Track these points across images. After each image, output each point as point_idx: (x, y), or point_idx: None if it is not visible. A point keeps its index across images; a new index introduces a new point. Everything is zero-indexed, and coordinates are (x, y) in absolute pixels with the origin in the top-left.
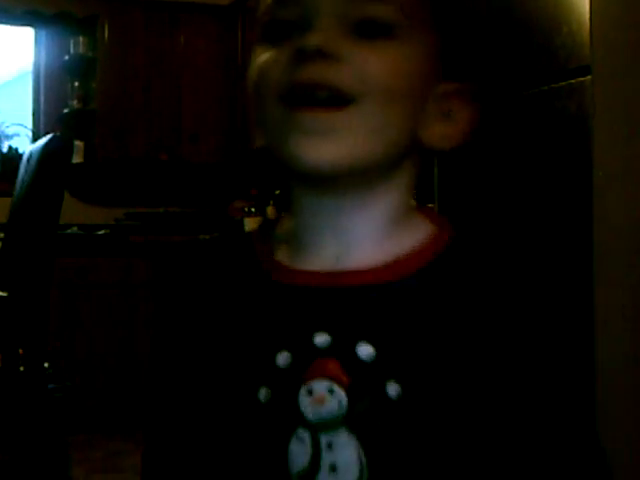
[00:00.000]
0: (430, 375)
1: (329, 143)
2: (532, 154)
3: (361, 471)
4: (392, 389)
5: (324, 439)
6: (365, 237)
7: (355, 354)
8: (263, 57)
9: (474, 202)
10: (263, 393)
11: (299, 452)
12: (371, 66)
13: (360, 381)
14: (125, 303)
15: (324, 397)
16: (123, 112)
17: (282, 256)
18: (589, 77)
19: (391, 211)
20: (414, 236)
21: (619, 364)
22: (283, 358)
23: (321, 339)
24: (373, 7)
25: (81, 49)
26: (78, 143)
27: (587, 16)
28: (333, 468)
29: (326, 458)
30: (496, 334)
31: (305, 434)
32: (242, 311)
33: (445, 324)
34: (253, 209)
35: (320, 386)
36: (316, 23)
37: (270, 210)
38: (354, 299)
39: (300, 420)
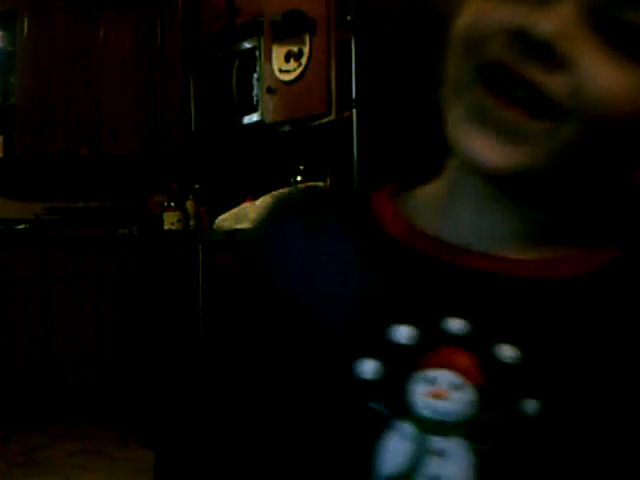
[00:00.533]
0: (576, 394)
1: (515, 150)
2: None
3: None
4: (530, 403)
5: (429, 441)
6: (529, 230)
7: (494, 353)
8: (477, 9)
9: None
10: (365, 367)
11: (393, 451)
12: (597, 83)
13: (496, 386)
14: (44, 298)
15: (447, 392)
16: (43, 106)
17: (423, 223)
18: None
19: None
20: (582, 246)
21: None
22: (400, 332)
23: (456, 325)
24: (631, 11)
25: (0, 43)
26: None
27: None
28: (431, 478)
29: (429, 467)
30: None
31: (407, 430)
32: (351, 271)
33: (604, 339)
34: (172, 203)
35: (444, 378)
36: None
37: (189, 204)
38: (506, 289)
39: (405, 411)
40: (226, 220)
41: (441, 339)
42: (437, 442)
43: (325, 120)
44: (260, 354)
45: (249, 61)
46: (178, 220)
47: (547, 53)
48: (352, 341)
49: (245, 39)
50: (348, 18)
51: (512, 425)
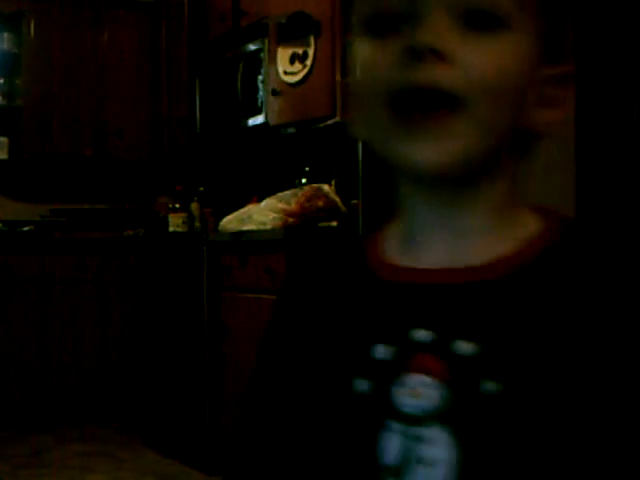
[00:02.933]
0: (528, 374)
1: (442, 146)
2: None
3: (451, 466)
4: (490, 386)
5: (416, 432)
6: (471, 233)
7: (455, 351)
8: (367, 52)
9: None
10: (358, 384)
11: (390, 444)
12: (481, 67)
13: (458, 378)
14: (49, 299)
15: (421, 391)
16: (48, 108)
17: (391, 254)
18: None
19: (497, 205)
20: (521, 233)
21: None
22: (381, 351)
23: (421, 334)
24: None
25: (6, 45)
26: (2, 139)
27: None
28: (423, 461)
29: (417, 451)
30: (601, 338)
31: (397, 426)
32: (345, 306)
33: (545, 323)
34: (178, 205)
35: (417, 380)
36: (425, 14)
37: (194, 206)
38: (455, 296)
39: (394, 412)
40: (231, 222)
41: (414, 349)
42: (420, 431)
43: (330, 122)
44: (284, 370)
45: (254, 63)
46: (183, 222)
47: (432, 54)
48: (348, 364)
49: (250, 41)
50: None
51: (477, 408)
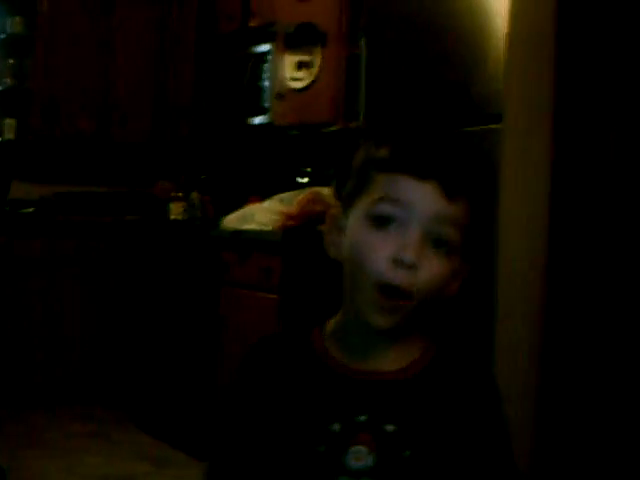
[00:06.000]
0: (430, 443)
1: (394, 318)
2: None
3: None
4: (406, 452)
5: None
6: (389, 351)
7: (383, 429)
8: (369, 238)
9: None
10: (321, 448)
11: None
12: (430, 275)
13: (385, 447)
14: (49, 281)
15: (361, 457)
16: (56, 91)
17: (335, 352)
18: (500, 125)
19: (405, 333)
20: (416, 351)
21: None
22: (336, 427)
23: (362, 417)
24: (448, 229)
25: (17, 28)
26: (10, 120)
27: (502, 69)
28: None
29: None
30: (464, 413)
31: (345, 479)
32: (305, 387)
33: (439, 408)
34: (180, 194)
35: (360, 449)
36: (410, 230)
37: (195, 195)
38: (383, 390)
39: (344, 469)
40: (233, 220)
41: (357, 427)
42: None
43: (332, 129)
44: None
45: (261, 63)
46: (184, 210)
47: (412, 267)
48: (313, 433)
49: (258, 43)
50: (360, 38)
51: (396, 467)
